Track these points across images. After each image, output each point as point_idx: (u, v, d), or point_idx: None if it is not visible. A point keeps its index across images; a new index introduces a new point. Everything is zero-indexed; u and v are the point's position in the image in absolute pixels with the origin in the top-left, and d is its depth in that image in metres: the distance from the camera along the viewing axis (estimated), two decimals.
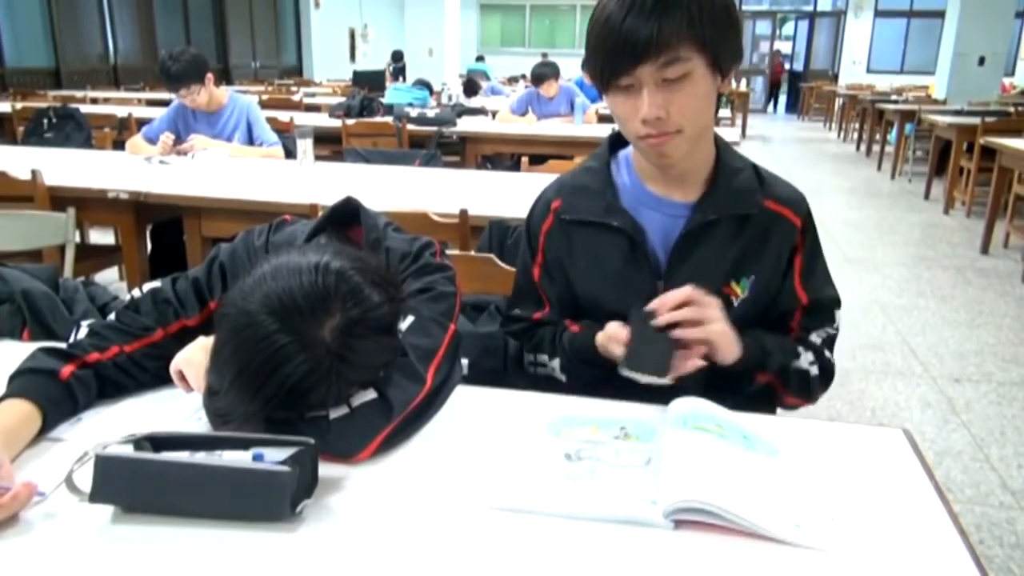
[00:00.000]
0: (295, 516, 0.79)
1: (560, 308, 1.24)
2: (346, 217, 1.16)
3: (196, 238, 2.58)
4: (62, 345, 1.04)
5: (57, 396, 0.96)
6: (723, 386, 1.10)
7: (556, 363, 1.22)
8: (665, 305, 1.02)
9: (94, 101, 6.79)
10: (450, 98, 6.62)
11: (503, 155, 5.00)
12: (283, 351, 0.83)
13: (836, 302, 1.20)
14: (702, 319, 1.03)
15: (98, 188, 2.56)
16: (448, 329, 1.05)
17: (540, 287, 1.25)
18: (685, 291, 1.03)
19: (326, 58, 14.27)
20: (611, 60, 1.00)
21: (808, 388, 1.17)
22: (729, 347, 1.06)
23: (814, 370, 1.17)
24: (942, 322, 3.71)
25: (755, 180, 1.16)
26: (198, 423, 0.97)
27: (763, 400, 1.17)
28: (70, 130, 4.38)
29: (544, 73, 5.25)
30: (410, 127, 4.61)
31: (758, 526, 0.77)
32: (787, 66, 17.98)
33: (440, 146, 4.43)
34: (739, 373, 1.10)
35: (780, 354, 1.14)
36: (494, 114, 5.55)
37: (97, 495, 0.78)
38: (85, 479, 0.78)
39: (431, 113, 4.87)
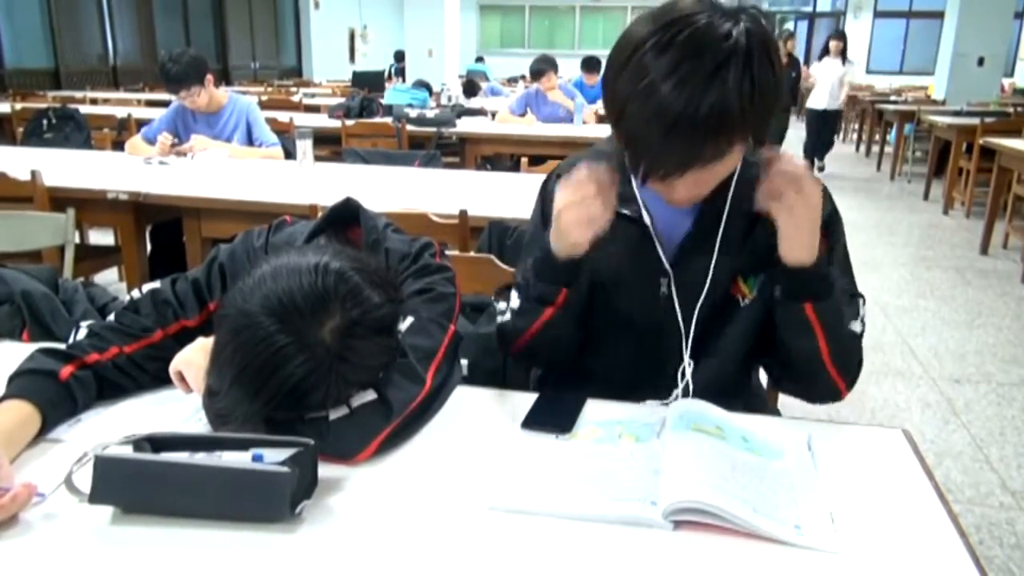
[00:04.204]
0: (294, 517, 0.79)
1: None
2: (345, 218, 1.16)
3: (196, 239, 2.58)
4: (61, 346, 1.04)
5: (56, 397, 0.96)
6: (727, 390, 1.08)
7: (514, 297, 1.13)
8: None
9: (93, 102, 6.80)
10: (450, 99, 6.62)
11: (503, 156, 5.00)
12: (283, 352, 0.83)
13: (860, 295, 1.11)
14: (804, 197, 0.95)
15: (98, 189, 2.56)
16: (448, 330, 1.05)
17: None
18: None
19: (325, 59, 14.27)
20: (655, 166, 0.94)
21: (852, 361, 1.08)
22: (811, 239, 0.98)
23: (859, 344, 1.08)
24: (942, 323, 3.71)
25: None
26: (198, 424, 0.97)
27: (762, 407, 1.14)
28: (69, 131, 4.38)
29: (542, 68, 5.24)
30: (410, 128, 4.61)
31: (758, 527, 0.77)
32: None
33: (440, 147, 4.43)
34: (794, 289, 1.02)
35: (842, 297, 1.05)
36: (493, 115, 5.54)
37: (96, 496, 0.78)
38: (85, 480, 0.78)
39: (431, 114, 4.87)
